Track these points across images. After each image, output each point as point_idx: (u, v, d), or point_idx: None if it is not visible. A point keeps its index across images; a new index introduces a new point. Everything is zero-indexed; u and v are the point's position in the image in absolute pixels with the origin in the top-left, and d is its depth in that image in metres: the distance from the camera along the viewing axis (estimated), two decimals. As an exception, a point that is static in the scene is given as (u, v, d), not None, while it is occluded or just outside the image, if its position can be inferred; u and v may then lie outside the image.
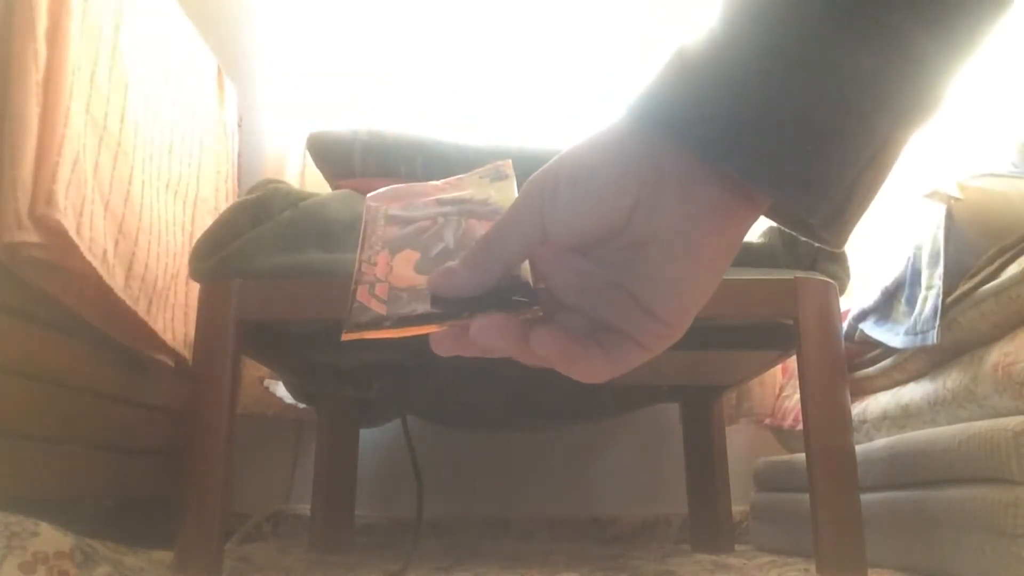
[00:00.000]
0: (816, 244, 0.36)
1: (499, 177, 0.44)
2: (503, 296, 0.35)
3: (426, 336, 0.37)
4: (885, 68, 0.30)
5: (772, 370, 1.58)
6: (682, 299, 0.35)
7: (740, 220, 0.35)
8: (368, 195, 0.45)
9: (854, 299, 1.30)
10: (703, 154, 0.32)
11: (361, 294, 0.38)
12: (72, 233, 0.99)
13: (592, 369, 0.35)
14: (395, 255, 0.40)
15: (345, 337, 0.37)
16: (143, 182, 1.24)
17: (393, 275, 0.39)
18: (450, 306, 0.35)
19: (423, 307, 0.36)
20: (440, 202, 0.43)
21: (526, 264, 0.36)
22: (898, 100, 0.31)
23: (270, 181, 1.25)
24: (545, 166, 0.36)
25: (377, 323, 0.36)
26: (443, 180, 0.45)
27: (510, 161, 0.46)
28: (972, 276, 1.02)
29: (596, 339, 0.35)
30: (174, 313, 1.35)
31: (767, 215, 0.36)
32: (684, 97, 0.32)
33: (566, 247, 0.35)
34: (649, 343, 0.36)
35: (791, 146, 0.31)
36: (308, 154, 1.38)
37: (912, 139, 0.33)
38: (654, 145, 0.33)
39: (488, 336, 0.35)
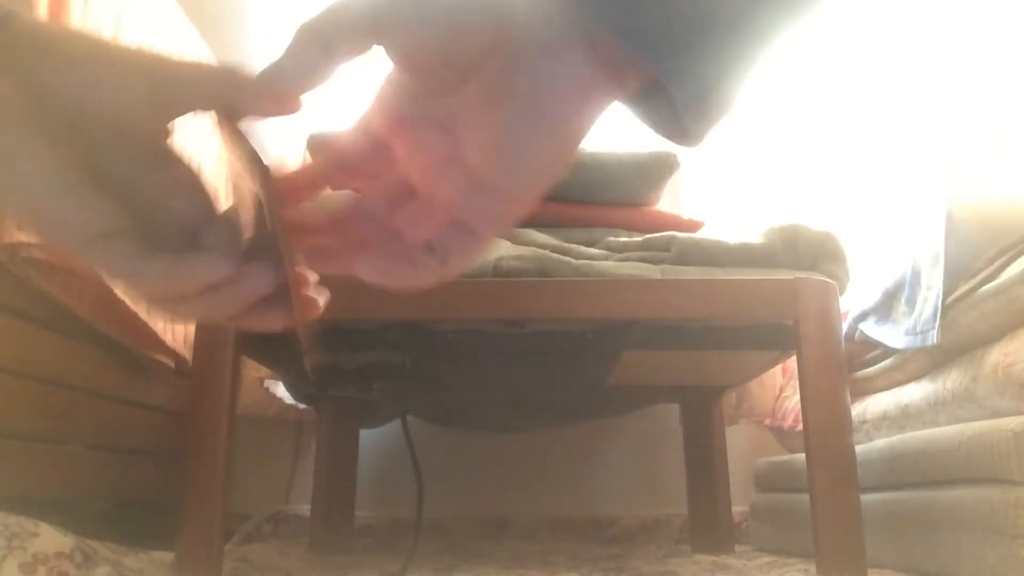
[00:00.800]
0: (670, 140, 0.34)
1: None
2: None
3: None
4: None
5: (772, 370, 1.57)
6: (524, 172, 0.33)
7: (601, 96, 0.33)
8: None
9: (854, 299, 1.30)
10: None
11: (296, 293, 0.35)
12: (72, 233, 0.99)
13: (427, 277, 0.35)
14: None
15: (313, 367, 0.36)
16: (143, 182, 1.23)
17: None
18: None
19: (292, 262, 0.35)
20: None
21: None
22: None
23: (270, 181, 1.25)
24: None
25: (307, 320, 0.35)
26: None
27: None
28: (972, 276, 1.02)
29: (431, 243, 0.35)
30: (174, 313, 1.35)
31: (629, 103, 0.34)
32: None
33: (399, 67, 0.33)
34: (483, 226, 0.35)
35: (676, 12, 0.30)
36: (308, 154, 1.38)
37: (788, 38, 0.32)
38: None
39: (368, 274, 0.35)
